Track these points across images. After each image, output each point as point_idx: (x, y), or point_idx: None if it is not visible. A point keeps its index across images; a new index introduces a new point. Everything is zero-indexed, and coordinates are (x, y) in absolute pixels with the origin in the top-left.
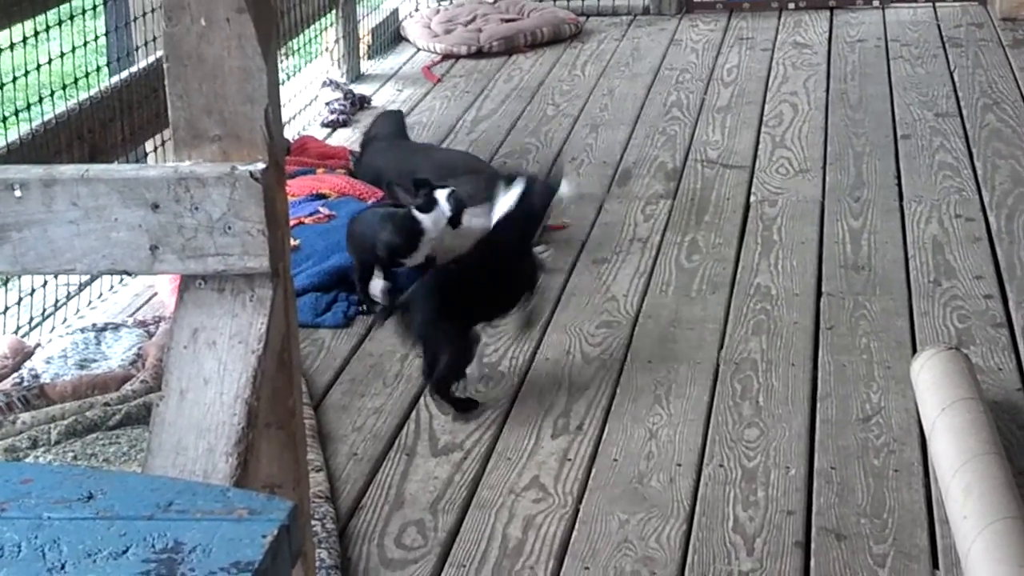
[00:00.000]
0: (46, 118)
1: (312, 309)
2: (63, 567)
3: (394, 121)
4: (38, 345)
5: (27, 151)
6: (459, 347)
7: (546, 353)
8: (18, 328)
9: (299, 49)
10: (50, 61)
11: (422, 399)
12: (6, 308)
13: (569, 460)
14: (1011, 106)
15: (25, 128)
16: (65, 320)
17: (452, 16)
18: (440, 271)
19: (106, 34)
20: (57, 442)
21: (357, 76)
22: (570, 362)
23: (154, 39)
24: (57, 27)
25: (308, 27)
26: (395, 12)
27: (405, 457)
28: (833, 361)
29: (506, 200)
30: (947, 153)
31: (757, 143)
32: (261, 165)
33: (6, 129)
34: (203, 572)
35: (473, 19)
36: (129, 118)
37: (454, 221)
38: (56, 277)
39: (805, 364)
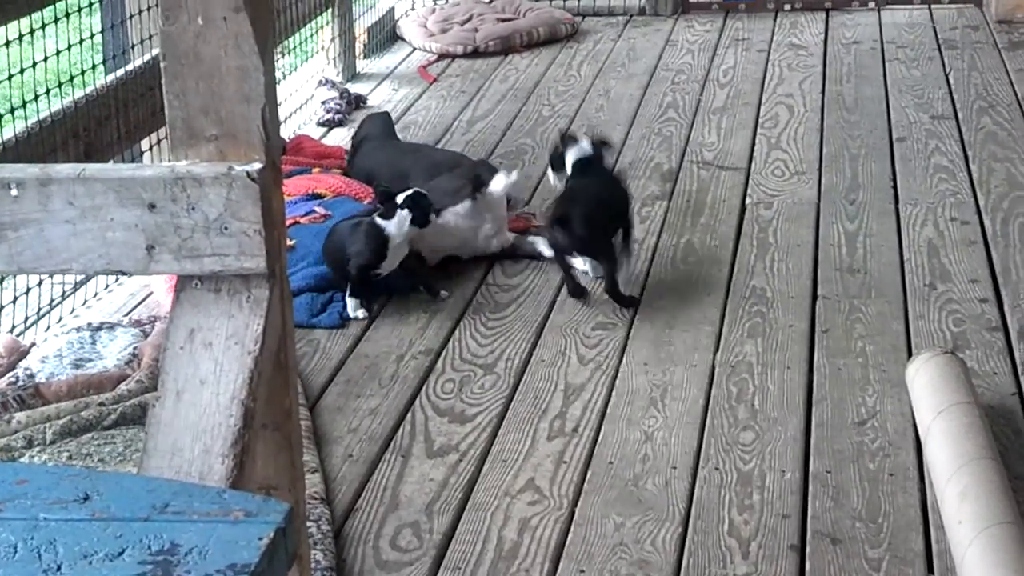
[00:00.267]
0: (41, 116)
1: (308, 310)
2: (59, 568)
3: (382, 122)
4: (33, 344)
5: (22, 149)
6: (612, 254)
7: (542, 355)
8: (13, 327)
9: (295, 48)
10: (46, 59)
11: (418, 400)
12: (1, 307)
13: (565, 462)
14: (1006, 109)
15: (20, 126)
16: (60, 319)
17: (448, 15)
18: (574, 191)
19: (101, 32)
20: (52, 442)
21: (353, 75)
22: (566, 364)
23: (150, 37)
24: (52, 24)
25: (304, 26)
26: (391, 11)
27: (400, 459)
28: (828, 364)
29: (579, 149)
30: (943, 156)
31: (753, 145)
32: (258, 165)
33: (1, 127)
34: (199, 574)
35: (469, 19)
36: (125, 116)
37: (419, 220)
38: (52, 276)
39: (800, 367)
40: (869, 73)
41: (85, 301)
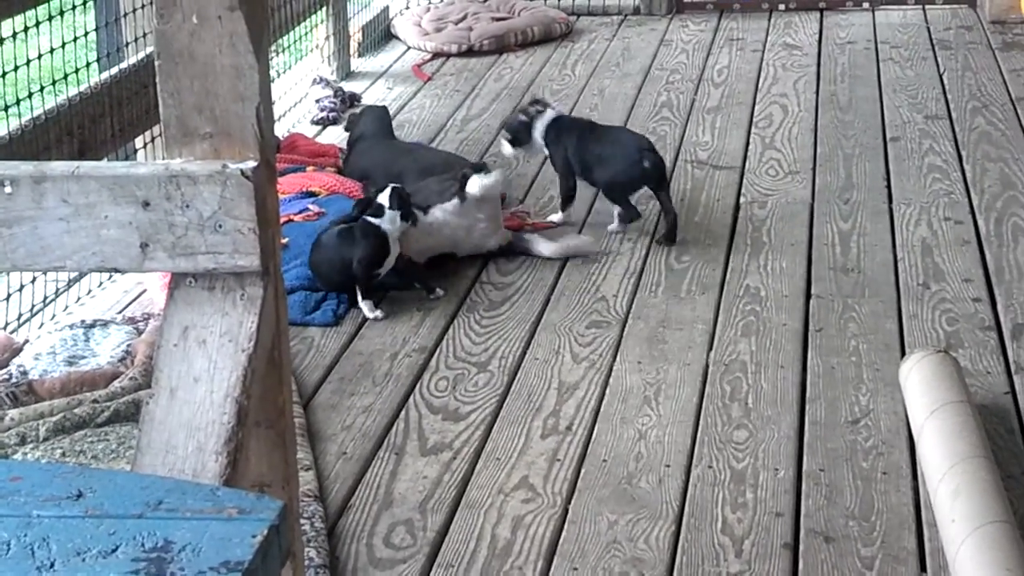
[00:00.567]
0: (35, 114)
1: (302, 307)
2: (52, 565)
3: (379, 118)
4: (27, 341)
5: (16, 147)
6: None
7: (536, 353)
8: (7, 324)
9: (289, 46)
10: (40, 56)
11: (412, 398)
12: None
13: (558, 460)
14: (1000, 109)
15: (14, 124)
16: (54, 316)
17: (443, 14)
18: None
19: (96, 30)
20: (45, 439)
21: (347, 74)
22: (560, 362)
23: (144, 35)
24: (47, 22)
25: (298, 24)
26: (386, 9)
27: (394, 456)
28: (822, 363)
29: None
30: (936, 156)
31: (747, 144)
32: (252, 163)
33: None
34: (192, 571)
35: (464, 17)
36: (119, 114)
37: (406, 215)
38: (45, 274)
39: (794, 366)
40: (863, 73)
41: (79, 298)
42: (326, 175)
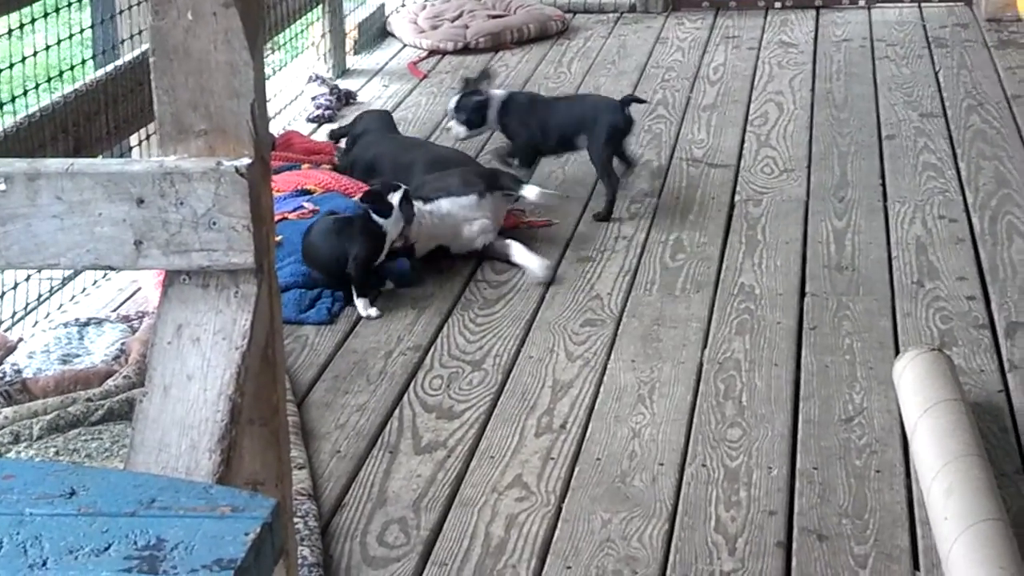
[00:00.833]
0: (30, 111)
1: (296, 305)
2: (45, 564)
3: (382, 116)
4: (20, 340)
5: (11, 144)
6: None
7: (530, 351)
8: (0, 322)
9: (285, 44)
10: (35, 53)
11: (406, 396)
12: None
13: (552, 459)
14: (995, 107)
15: (9, 121)
16: (48, 315)
17: (439, 12)
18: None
19: (91, 27)
20: (39, 437)
21: (343, 71)
22: (554, 360)
23: (140, 32)
24: (42, 19)
25: (294, 22)
26: (381, 7)
27: (388, 455)
28: (816, 361)
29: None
30: (931, 154)
31: (742, 142)
32: (247, 160)
33: None
34: (185, 569)
35: (460, 15)
36: (114, 112)
37: (408, 219)
38: (39, 271)
39: (788, 364)
40: (859, 71)
41: (73, 297)
42: (321, 173)
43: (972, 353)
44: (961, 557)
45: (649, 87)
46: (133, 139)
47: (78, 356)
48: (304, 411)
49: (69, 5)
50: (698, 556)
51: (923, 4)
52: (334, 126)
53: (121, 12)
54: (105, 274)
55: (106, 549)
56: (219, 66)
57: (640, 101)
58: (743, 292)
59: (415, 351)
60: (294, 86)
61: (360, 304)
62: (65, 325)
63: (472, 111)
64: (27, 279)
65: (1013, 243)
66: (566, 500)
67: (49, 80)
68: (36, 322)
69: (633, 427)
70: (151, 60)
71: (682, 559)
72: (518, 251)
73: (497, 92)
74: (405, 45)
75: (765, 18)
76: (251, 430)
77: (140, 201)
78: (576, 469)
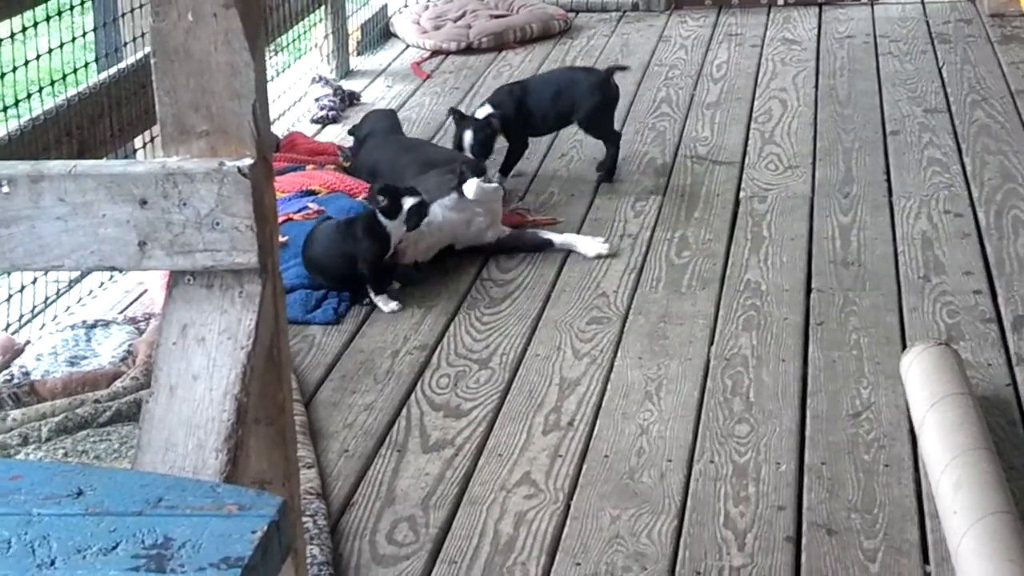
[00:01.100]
0: (34, 114)
1: (303, 306)
2: (53, 563)
3: (387, 116)
4: (28, 342)
5: (15, 148)
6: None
7: (537, 349)
8: (8, 325)
9: (288, 45)
10: (38, 57)
11: (413, 395)
12: None
13: (560, 456)
14: (999, 102)
15: (13, 125)
16: (55, 317)
17: (441, 12)
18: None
19: (94, 30)
20: (48, 439)
21: (346, 72)
22: (561, 358)
23: (142, 35)
24: (45, 23)
25: (297, 23)
26: (384, 8)
27: (396, 453)
28: (823, 357)
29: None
30: (936, 149)
31: (746, 139)
32: (249, 160)
33: None
34: (192, 568)
35: (462, 15)
36: (118, 114)
37: (412, 227)
38: (46, 274)
39: (795, 360)
40: (862, 67)
41: (80, 299)
42: (326, 173)
43: (979, 347)
44: (970, 550)
45: (652, 85)
46: (138, 142)
47: (85, 358)
48: (312, 411)
49: (72, 9)
50: (707, 552)
51: (926, 0)
52: (338, 127)
53: (123, 15)
54: (112, 276)
55: (114, 548)
56: (220, 67)
57: (623, 68)
58: (749, 288)
59: (422, 350)
60: (298, 88)
61: (380, 301)
62: (72, 327)
63: (484, 144)
64: (34, 282)
65: (1019, 237)
66: (575, 497)
67: (52, 84)
68: (43, 324)
69: (641, 424)
70: (152, 62)
71: (691, 555)
72: (558, 237)
73: (481, 111)
74: (408, 46)
75: (768, 15)
76: (257, 429)
77: (143, 202)
78: (584, 466)
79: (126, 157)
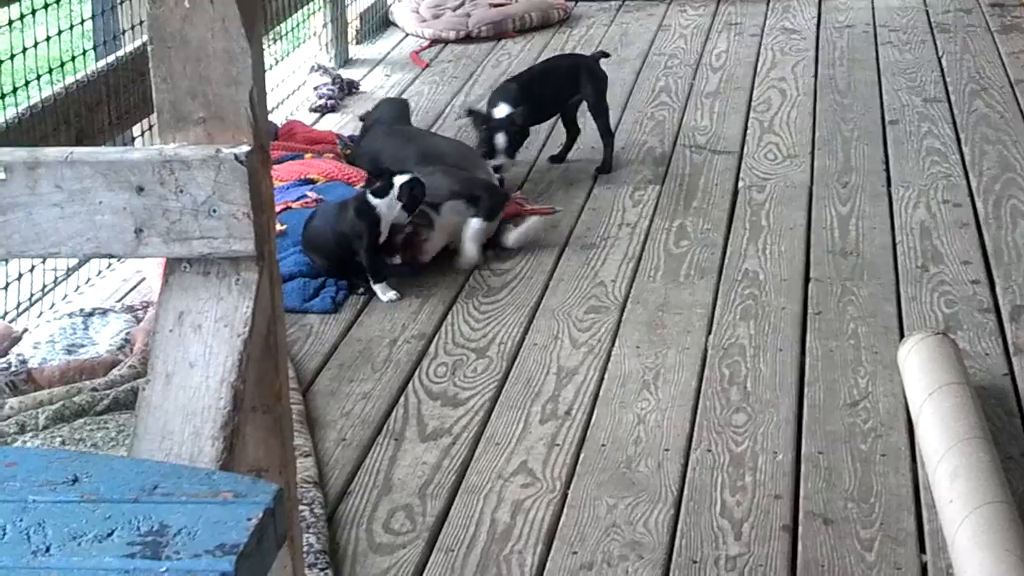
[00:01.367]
0: (32, 102)
1: (300, 295)
2: (48, 550)
3: (395, 106)
4: (26, 330)
5: (13, 135)
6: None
7: (534, 339)
8: (5, 313)
9: (287, 34)
10: (36, 45)
11: (411, 384)
12: None
13: (557, 445)
14: (999, 92)
15: (11, 112)
16: (53, 305)
17: (440, 1)
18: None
19: (92, 18)
20: (45, 427)
21: (345, 61)
22: (558, 347)
23: (140, 23)
24: (43, 11)
25: (296, 11)
26: None
27: (393, 442)
28: (821, 346)
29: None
30: (935, 139)
31: (745, 128)
32: (246, 148)
33: None
34: (188, 554)
35: (462, 4)
36: (116, 102)
37: (409, 208)
38: (44, 262)
39: (793, 349)
40: (862, 57)
41: (78, 287)
42: (324, 162)
43: (977, 337)
44: (967, 539)
45: (652, 75)
46: (136, 130)
47: (83, 346)
48: (309, 399)
49: None
50: (704, 541)
51: None
52: (336, 116)
53: (121, 2)
54: (110, 264)
55: (109, 535)
56: (217, 54)
57: (606, 55)
58: (747, 278)
59: (420, 339)
60: (296, 76)
61: (379, 289)
62: (70, 315)
63: (515, 143)
64: (31, 270)
65: (1017, 227)
66: (571, 486)
67: (51, 71)
68: (41, 313)
69: (638, 413)
70: (149, 48)
71: (688, 544)
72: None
73: (498, 110)
74: (407, 34)
75: (767, 5)
76: (254, 417)
77: (140, 189)
78: (581, 455)
79: (124, 145)
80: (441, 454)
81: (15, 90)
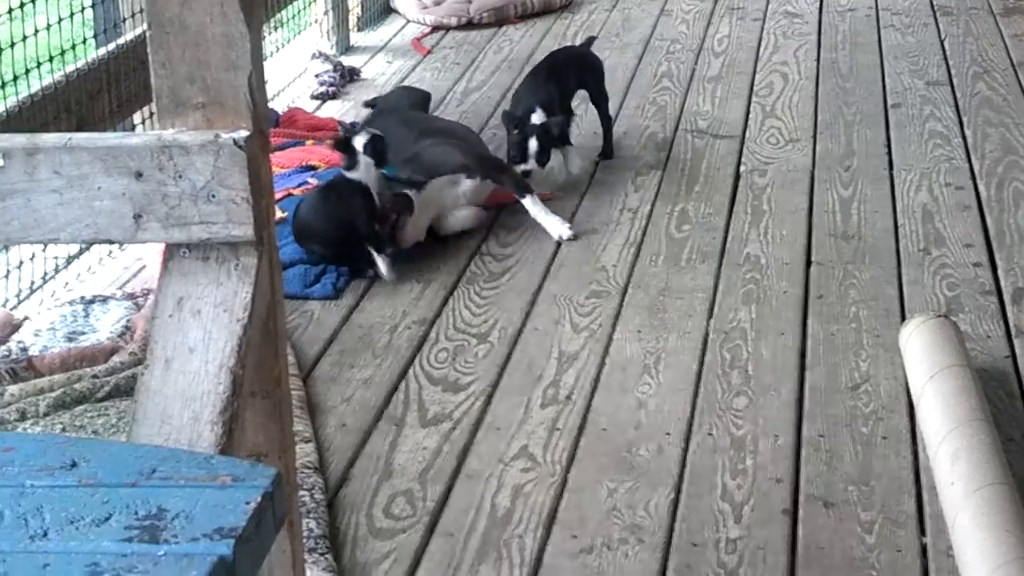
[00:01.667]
0: (33, 91)
1: (301, 281)
2: (46, 534)
3: (407, 93)
4: (26, 318)
5: (14, 124)
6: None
7: (535, 323)
8: (6, 301)
9: (288, 21)
10: (36, 33)
11: (411, 369)
12: None
13: (558, 430)
14: (1001, 74)
15: (12, 101)
16: (54, 293)
17: None
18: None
19: (93, 6)
20: (45, 414)
21: (346, 48)
22: (559, 332)
23: (141, 11)
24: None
25: None
26: None
27: (394, 428)
28: (822, 330)
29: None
30: (937, 122)
31: (747, 113)
32: (245, 133)
33: None
34: (186, 538)
35: None
36: (116, 90)
37: (380, 162)
38: (44, 249)
39: (794, 333)
40: (864, 40)
41: (79, 274)
42: (325, 149)
43: (978, 319)
44: (968, 521)
45: (654, 60)
46: (136, 117)
47: (84, 333)
48: (310, 385)
49: None
50: (704, 524)
51: None
52: (338, 103)
53: None
54: (110, 252)
55: (107, 519)
56: (215, 38)
57: (594, 38)
58: (749, 262)
59: (421, 324)
60: (298, 63)
61: (381, 262)
62: (71, 303)
63: (546, 151)
64: (32, 258)
65: (1019, 209)
66: (572, 470)
67: (51, 59)
68: (42, 300)
69: (639, 397)
70: (148, 34)
71: (688, 527)
72: (536, 213)
73: (536, 116)
74: (409, 21)
75: None
76: (253, 402)
77: (139, 175)
78: (582, 440)
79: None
80: (442, 439)
81: (16, 79)
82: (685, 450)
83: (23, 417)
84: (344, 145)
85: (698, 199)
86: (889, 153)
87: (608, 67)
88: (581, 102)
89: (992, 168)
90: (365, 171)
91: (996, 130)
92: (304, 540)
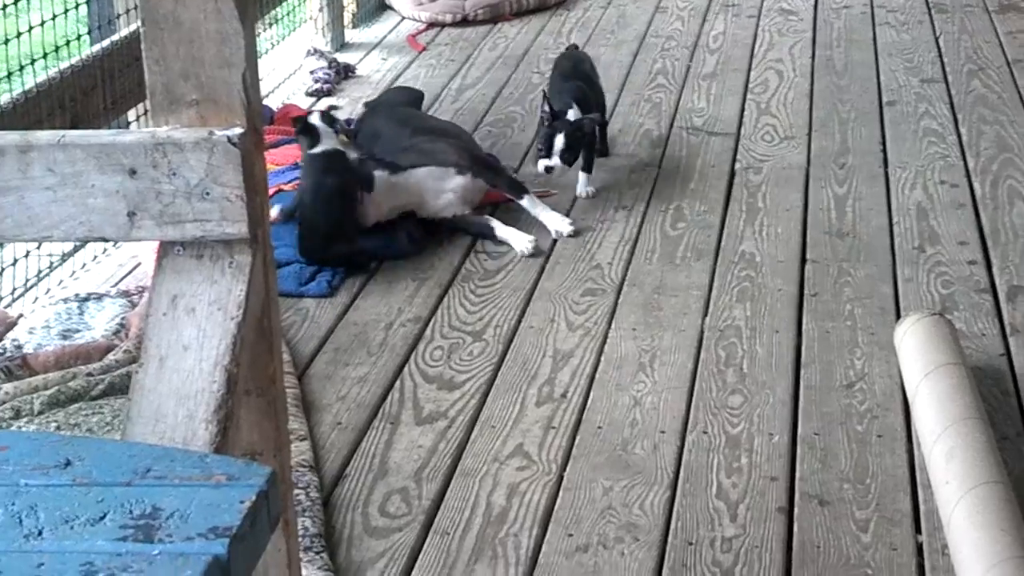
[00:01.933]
0: (27, 87)
1: (296, 279)
2: (40, 533)
3: (405, 94)
4: (21, 315)
5: (8, 120)
6: None
7: (530, 321)
8: (1, 299)
9: (283, 18)
10: (30, 29)
11: (407, 368)
12: None
13: (553, 428)
14: (996, 72)
15: (6, 97)
16: (48, 290)
17: None
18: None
19: (87, 2)
20: (40, 412)
21: (341, 45)
22: (554, 330)
23: (135, 7)
24: None
25: None
26: None
27: (389, 426)
28: (817, 328)
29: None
30: (932, 119)
31: (742, 110)
32: (239, 130)
33: None
34: (181, 537)
35: None
36: (111, 86)
37: (338, 129)
38: (39, 247)
39: (789, 331)
40: (859, 37)
41: (73, 272)
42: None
43: (973, 317)
44: (963, 519)
45: (649, 56)
46: (131, 114)
47: (78, 331)
48: (305, 383)
49: None
50: (699, 522)
51: None
52: (332, 100)
53: None
54: (105, 249)
55: (102, 518)
56: (209, 35)
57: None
58: (744, 259)
59: (416, 322)
60: (292, 60)
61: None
62: (65, 300)
63: (573, 149)
64: (26, 255)
65: (1014, 207)
66: (567, 469)
67: (45, 56)
68: (36, 298)
69: (634, 395)
70: (141, 30)
71: (683, 526)
72: (500, 229)
73: (572, 112)
74: (403, 18)
75: None
76: (248, 401)
77: (132, 172)
78: (577, 438)
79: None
80: (437, 437)
81: (9, 75)
82: (680, 448)
83: (17, 415)
84: (304, 127)
85: (693, 197)
86: (884, 151)
87: (603, 64)
88: None
89: (987, 166)
90: (329, 138)
91: (991, 128)
92: (299, 539)
